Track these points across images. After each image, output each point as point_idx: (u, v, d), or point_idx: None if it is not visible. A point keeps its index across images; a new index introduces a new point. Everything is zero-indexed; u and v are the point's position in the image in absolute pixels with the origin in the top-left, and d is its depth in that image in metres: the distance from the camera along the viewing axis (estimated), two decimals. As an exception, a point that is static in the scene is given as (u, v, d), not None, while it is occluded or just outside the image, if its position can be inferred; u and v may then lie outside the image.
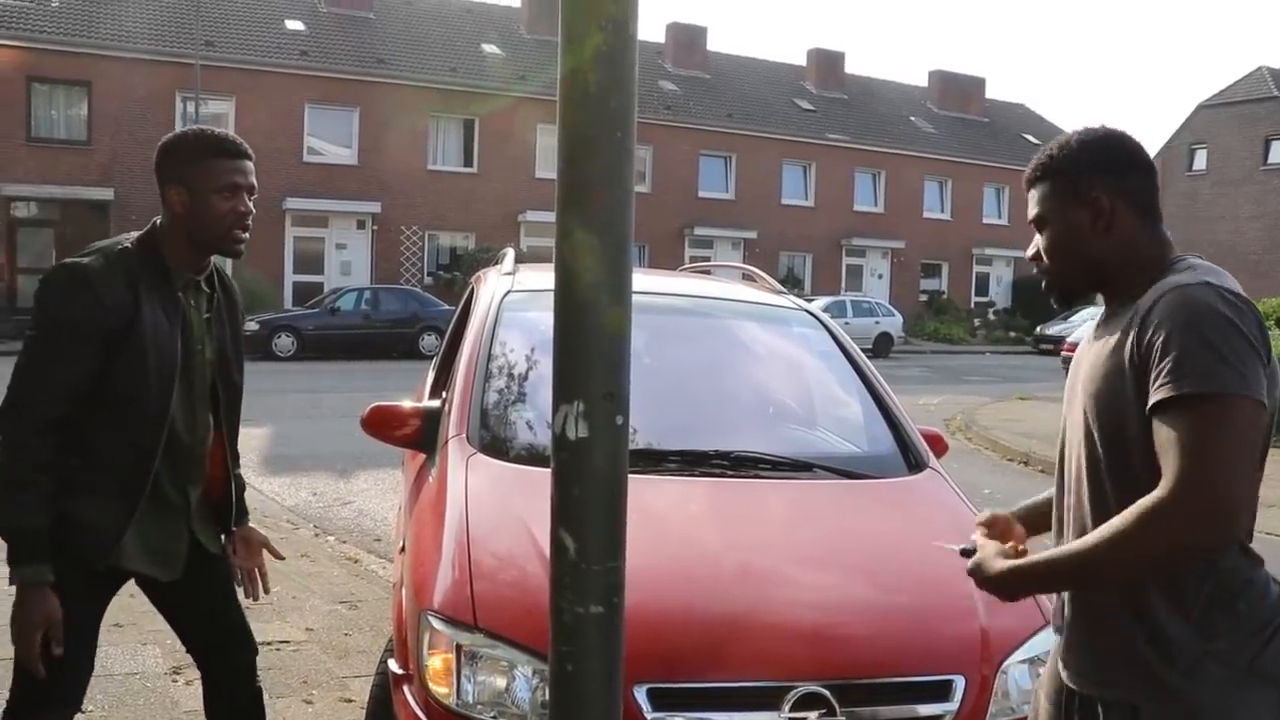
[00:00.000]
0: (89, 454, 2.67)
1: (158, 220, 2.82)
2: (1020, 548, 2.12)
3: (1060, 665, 2.12)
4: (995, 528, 2.28)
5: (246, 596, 3.14)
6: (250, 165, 2.83)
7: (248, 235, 2.85)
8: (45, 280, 2.68)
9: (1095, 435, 2.00)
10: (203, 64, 27.67)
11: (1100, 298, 2.17)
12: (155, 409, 2.71)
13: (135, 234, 2.83)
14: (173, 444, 2.77)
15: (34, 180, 27.59)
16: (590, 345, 1.90)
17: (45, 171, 27.65)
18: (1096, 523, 1.95)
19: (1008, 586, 2.02)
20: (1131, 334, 1.93)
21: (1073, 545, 1.92)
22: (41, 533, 2.55)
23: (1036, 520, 2.33)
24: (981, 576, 2.06)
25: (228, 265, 3.15)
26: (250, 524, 3.17)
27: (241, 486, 3.14)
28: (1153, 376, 1.85)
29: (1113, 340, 1.99)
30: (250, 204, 2.82)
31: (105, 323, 2.61)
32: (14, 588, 2.61)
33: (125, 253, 2.73)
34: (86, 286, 2.62)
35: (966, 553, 2.16)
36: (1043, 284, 2.23)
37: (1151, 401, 1.85)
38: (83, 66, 28.60)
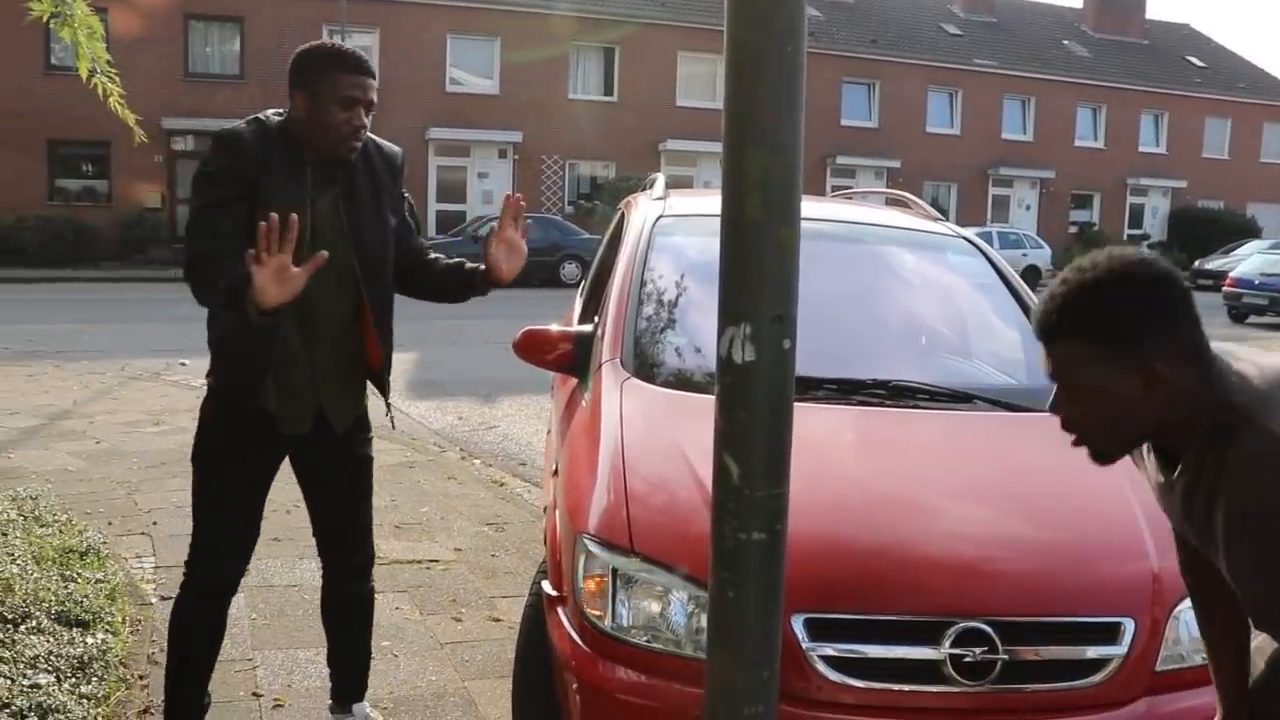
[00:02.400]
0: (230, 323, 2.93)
1: (290, 116, 3.04)
2: None
3: None
4: None
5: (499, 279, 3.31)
6: (370, 82, 3.03)
7: (360, 144, 3.03)
8: (214, 142, 2.99)
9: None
10: (349, -5, 28.09)
11: None
12: None
13: (278, 118, 3.06)
14: (304, 312, 2.96)
15: (191, 114, 28.42)
16: (759, 267, 1.85)
17: (201, 106, 28.47)
18: None
19: None
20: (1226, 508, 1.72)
21: None
22: (236, 290, 2.68)
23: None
24: None
25: None
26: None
27: (455, 263, 3.42)
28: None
29: (1214, 507, 1.75)
30: (365, 119, 3.00)
31: (241, 174, 2.89)
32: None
33: (269, 129, 3.00)
34: (228, 145, 2.93)
35: None
36: (1074, 443, 1.86)
37: None
38: (235, 3, 29.30)
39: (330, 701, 3.58)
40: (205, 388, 3.19)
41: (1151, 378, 1.71)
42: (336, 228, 3.05)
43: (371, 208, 3.14)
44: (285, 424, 3.11)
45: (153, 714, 3.62)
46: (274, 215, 2.64)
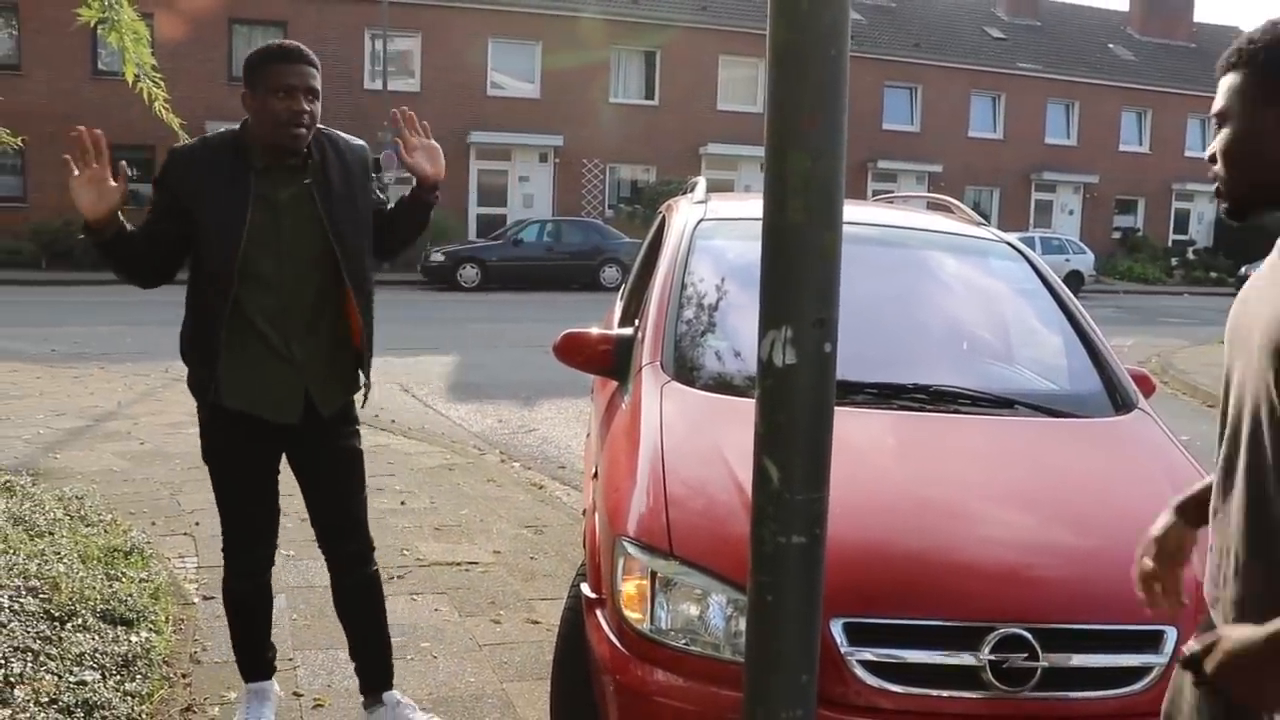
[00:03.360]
0: (194, 311, 3.26)
1: (245, 120, 3.24)
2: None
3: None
4: (1167, 547, 2.12)
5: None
6: (307, 69, 3.17)
7: (304, 130, 3.15)
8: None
9: None
10: (390, 1, 28.29)
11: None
12: (223, 268, 3.14)
13: (227, 130, 3.29)
14: (266, 302, 3.20)
15: (235, 118, 28.30)
16: (801, 270, 1.84)
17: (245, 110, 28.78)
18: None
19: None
20: None
21: None
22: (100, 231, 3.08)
23: (1204, 513, 2.09)
24: (1226, 662, 1.66)
25: None
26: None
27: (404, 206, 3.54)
28: None
29: None
30: (307, 104, 3.13)
31: (176, 190, 3.17)
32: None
33: (223, 139, 3.24)
34: (173, 160, 3.20)
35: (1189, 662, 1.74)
36: (1214, 190, 1.93)
37: None
38: (279, 6, 29.64)
39: (362, 697, 3.63)
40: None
41: None
42: (307, 217, 3.23)
43: (345, 195, 3.31)
44: (272, 413, 3.29)
45: (195, 712, 3.67)
46: (81, 128, 2.98)
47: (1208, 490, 2.06)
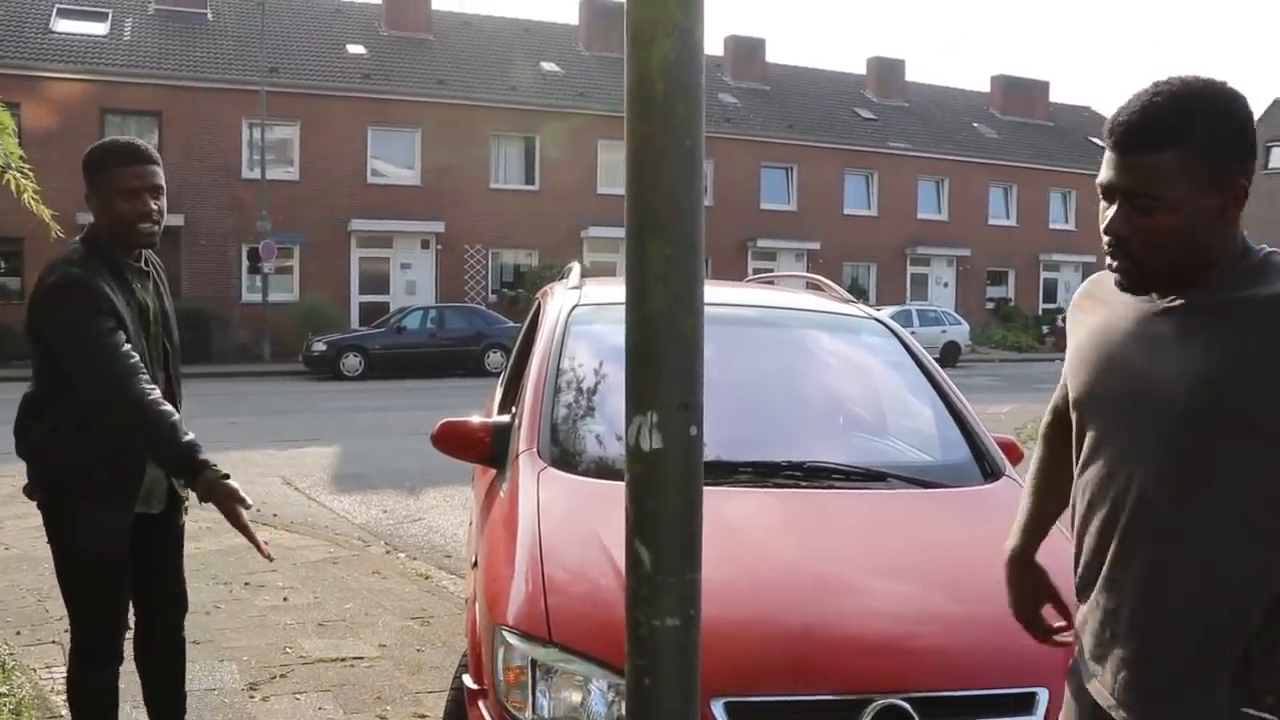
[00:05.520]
0: (100, 431, 3.19)
1: (90, 223, 3.27)
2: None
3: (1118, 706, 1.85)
4: (1026, 590, 2.23)
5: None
6: (150, 168, 3.23)
7: (156, 228, 3.26)
8: (57, 292, 3.13)
9: (1215, 456, 1.70)
10: (268, 90, 28.19)
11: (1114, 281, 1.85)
12: None
13: (79, 240, 3.28)
14: None
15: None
16: (663, 355, 1.88)
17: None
18: (1193, 558, 1.72)
19: None
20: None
21: None
22: (196, 446, 3.05)
23: (1041, 538, 2.24)
24: None
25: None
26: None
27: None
28: None
29: (1233, 340, 1.69)
30: (152, 203, 3.22)
31: (109, 312, 3.12)
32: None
33: (87, 257, 3.21)
34: (87, 287, 3.11)
35: None
36: (1113, 266, 1.83)
37: None
38: (153, 97, 29.26)
39: None
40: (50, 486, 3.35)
41: (1232, 200, 1.72)
42: (155, 315, 3.39)
43: (166, 295, 3.51)
44: (154, 506, 3.42)
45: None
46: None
47: (1030, 530, 2.21)
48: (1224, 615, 1.71)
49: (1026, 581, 2.23)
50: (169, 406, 3.11)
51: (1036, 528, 2.24)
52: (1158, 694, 1.78)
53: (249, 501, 3.04)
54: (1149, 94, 1.73)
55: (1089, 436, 1.89)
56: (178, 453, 3.05)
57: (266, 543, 3.11)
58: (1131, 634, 1.81)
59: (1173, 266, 1.75)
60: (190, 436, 3.06)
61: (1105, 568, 1.86)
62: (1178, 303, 1.77)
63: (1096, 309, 1.95)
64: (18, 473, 3.47)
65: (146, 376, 3.11)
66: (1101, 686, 1.87)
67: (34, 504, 3.42)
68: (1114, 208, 1.79)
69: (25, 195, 4.50)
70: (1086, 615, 1.94)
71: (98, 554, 3.32)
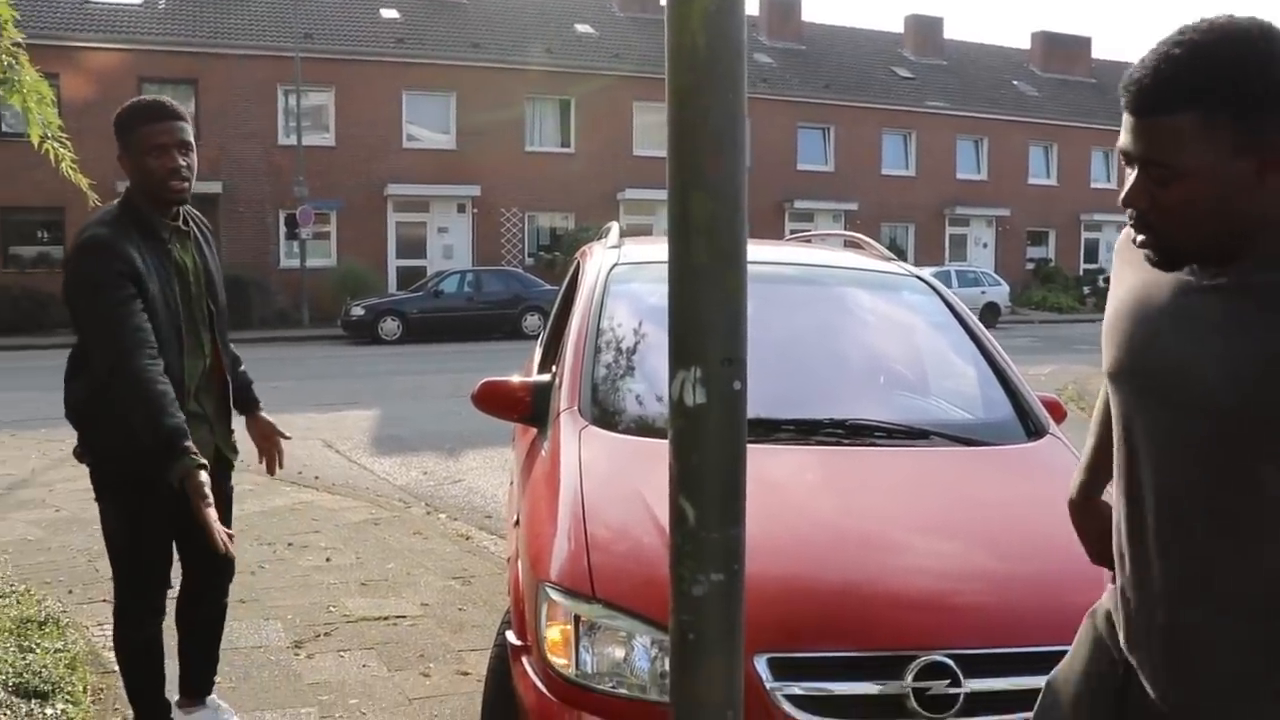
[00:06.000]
0: None
1: (127, 185, 3.31)
2: None
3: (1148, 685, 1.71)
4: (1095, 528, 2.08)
5: (269, 473, 3.94)
6: (177, 124, 3.26)
7: (186, 184, 3.29)
8: (79, 253, 3.20)
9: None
10: (302, 56, 28.23)
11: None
12: (173, 340, 3.28)
13: (117, 202, 3.33)
14: (192, 364, 3.38)
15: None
16: (707, 310, 1.87)
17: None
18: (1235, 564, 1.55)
19: None
20: None
21: None
22: (183, 432, 3.05)
23: (1099, 483, 2.06)
24: None
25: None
26: (262, 413, 3.84)
27: (247, 382, 3.78)
28: None
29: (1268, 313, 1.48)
30: (181, 159, 3.25)
31: (130, 274, 3.16)
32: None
33: (119, 218, 3.26)
34: (110, 248, 3.15)
35: None
36: (1137, 241, 1.62)
37: None
38: (188, 65, 29.38)
39: (179, 697, 3.78)
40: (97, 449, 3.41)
41: (1265, 165, 1.46)
42: (196, 274, 3.43)
43: (211, 255, 3.54)
44: None
45: (116, 783, 3.57)
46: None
47: (1087, 474, 2.07)
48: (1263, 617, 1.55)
49: (1090, 526, 2.10)
50: (167, 387, 3.09)
51: (1093, 472, 2.09)
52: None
53: (210, 499, 3.00)
54: (1169, 44, 1.50)
55: (1119, 415, 1.74)
56: (162, 434, 3.03)
57: (232, 536, 3.11)
58: (1163, 630, 1.67)
59: (1204, 241, 1.54)
60: (178, 421, 3.05)
61: (1130, 564, 1.73)
62: (1221, 280, 1.56)
63: (1137, 266, 1.71)
64: (68, 436, 3.52)
65: (153, 352, 3.11)
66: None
67: (82, 468, 3.47)
68: (1134, 176, 1.57)
69: (64, 164, 4.53)
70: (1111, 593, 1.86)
71: (142, 515, 3.37)
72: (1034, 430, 3.66)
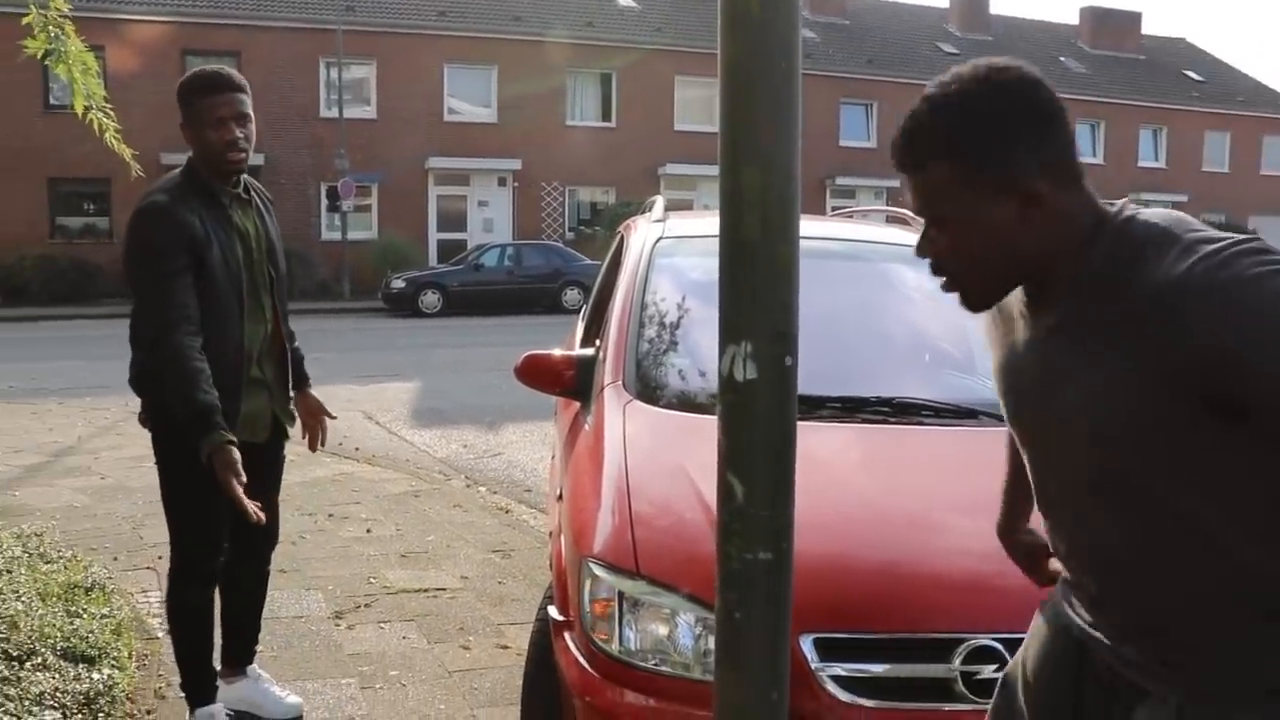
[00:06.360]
0: (206, 352, 3.24)
1: (190, 155, 3.39)
2: None
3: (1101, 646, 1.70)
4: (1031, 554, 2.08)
5: (310, 449, 4.00)
6: (235, 96, 3.34)
7: (244, 155, 3.37)
8: (137, 218, 3.29)
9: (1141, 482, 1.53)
10: (344, 29, 28.27)
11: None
12: (235, 305, 3.37)
13: (179, 170, 3.42)
14: (253, 328, 3.45)
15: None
16: (758, 284, 1.83)
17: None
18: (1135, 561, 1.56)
19: None
20: (1147, 340, 1.43)
21: None
22: (215, 408, 3.13)
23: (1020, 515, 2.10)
24: None
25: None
26: (311, 390, 3.89)
27: (300, 358, 3.82)
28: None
29: (1104, 349, 1.50)
30: (239, 131, 3.33)
31: (187, 243, 3.23)
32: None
33: (180, 186, 3.34)
34: (168, 215, 3.24)
35: None
36: (943, 288, 1.67)
37: None
38: (231, 37, 29.50)
39: (220, 667, 3.80)
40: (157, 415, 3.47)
41: (1027, 200, 1.52)
42: (257, 240, 3.52)
43: (273, 224, 3.64)
44: (259, 435, 3.56)
45: (159, 749, 3.61)
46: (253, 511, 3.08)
47: (1007, 505, 2.12)
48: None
49: (1019, 555, 2.14)
50: (203, 364, 3.17)
51: (1012, 504, 2.14)
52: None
53: (243, 477, 3.09)
54: (921, 100, 1.59)
55: (1023, 453, 1.78)
56: (194, 408, 3.12)
57: (259, 508, 3.15)
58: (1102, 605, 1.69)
59: (997, 283, 1.62)
60: (210, 397, 3.13)
61: (1071, 579, 1.77)
62: (1052, 321, 1.59)
63: (999, 322, 1.77)
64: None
65: (193, 329, 3.19)
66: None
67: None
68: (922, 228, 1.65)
69: (108, 135, 4.54)
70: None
71: (200, 480, 3.35)
72: (1084, 411, 3.59)
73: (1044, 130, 1.55)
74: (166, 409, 3.32)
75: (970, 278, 1.62)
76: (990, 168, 1.53)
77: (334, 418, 3.95)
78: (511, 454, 9.16)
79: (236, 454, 3.09)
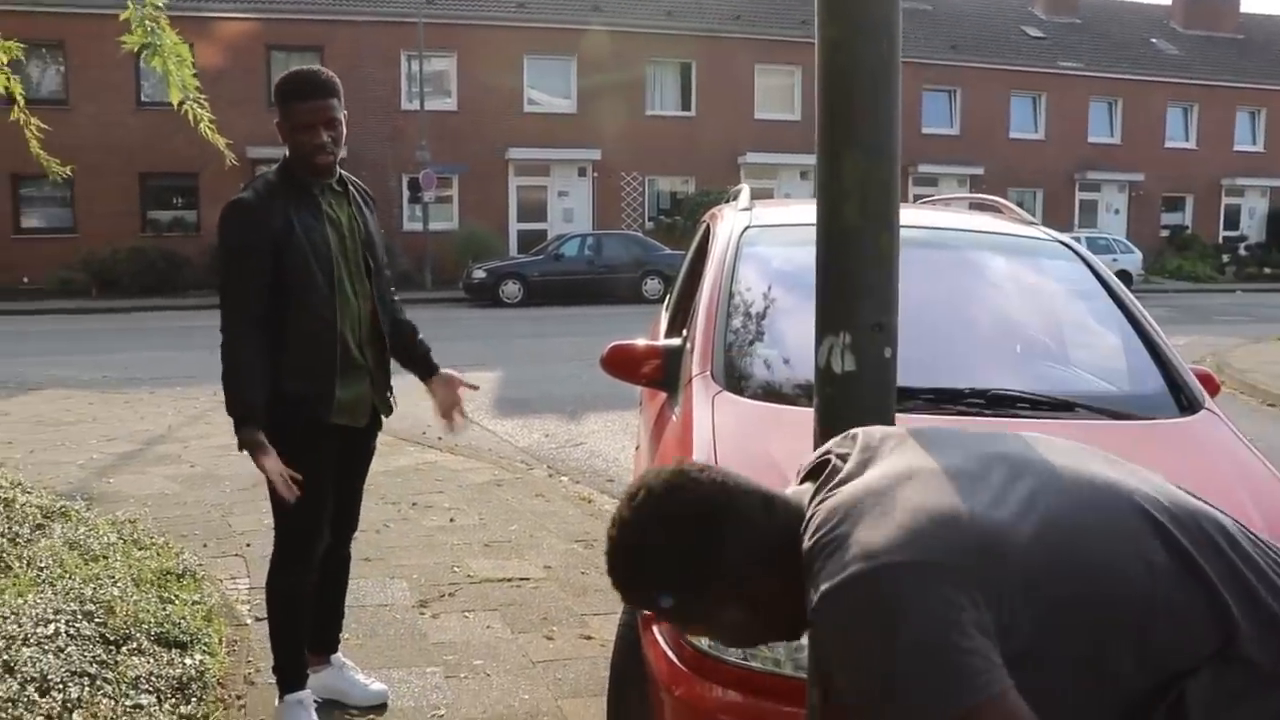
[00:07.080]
0: (292, 343, 3.42)
1: (287, 151, 3.51)
2: None
3: None
4: None
5: (451, 433, 4.21)
6: (324, 102, 3.42)
7: (331, 157, 3.47)
8: (221, 217, 3.43)
9: None
10: (425, 21, 28.51)
11: None
12: (326, 288, 3.44)
13: (276, 166, 3.56)
14: (347, 311, 3.52)
15: (275, 143, 28.71)
16: (857, 274, 1.79)
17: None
18: None
19: None
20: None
21: None
22: (256, 406, 3.32)
23: None
24: None
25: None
26: (443, 370, 3.97)
27: (426, 350, 3.95)
28: None
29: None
30: (326, 135, 3.42)
31: (270, 237, 3.35)
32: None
33: (271, 182, 3.47)
34: (250, 213, 3.38)
35: None
36: None
37: None
38: (314, 32, 29.95)
39: (309, 655, 3.82)
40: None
41: (741, 598, 1.59)
42: (355, 235, 3.60)
43: (371, 217, 3.74)
44: (359, 420, 3.64)
45: (250, 735, 3.65)
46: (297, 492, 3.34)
47: None
48: None
49: None
50: (258, 360, 3.34)
51: None
52: None
53: (272, 453, 3.31)
54: (608, 540, 1.71)
55: None
56: (240, 401, 3.33)
57: (295, 478, 3.36)
58: None
59: (787, 634, 1.69)
60: (254, 396, 3.32)
61: None
62: None
63: None
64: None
65: (254, 325, 3.35)
66: None
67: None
68: None
69: (203, 125, 4.61)
70: None
71: (303, 466, 3.46)
72: (1187, 404, 3.47)
73: (719, 548, 1.57)
74: (314, 402, 3.48)
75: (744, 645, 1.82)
76: (702, 588, 1.59)
77: (475, 388, 4.03)
78: (593, 444, 9.16)
79: (270, 449, 3.31)
